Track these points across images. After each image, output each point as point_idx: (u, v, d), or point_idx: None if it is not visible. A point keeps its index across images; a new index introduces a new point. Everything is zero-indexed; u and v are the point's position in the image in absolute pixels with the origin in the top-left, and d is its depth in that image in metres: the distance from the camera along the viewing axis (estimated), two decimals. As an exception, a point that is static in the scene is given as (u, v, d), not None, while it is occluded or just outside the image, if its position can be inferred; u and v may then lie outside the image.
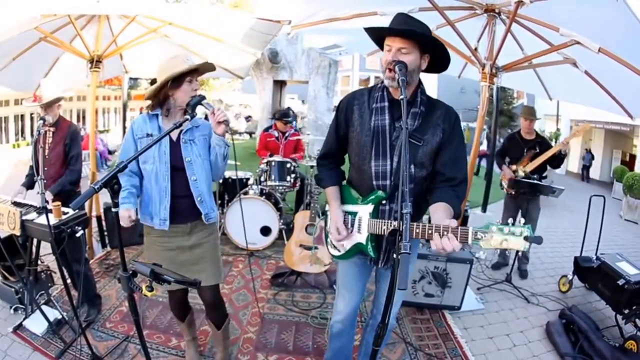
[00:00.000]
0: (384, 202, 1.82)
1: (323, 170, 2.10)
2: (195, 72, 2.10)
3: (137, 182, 2.17)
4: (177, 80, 2.04)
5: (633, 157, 14.39)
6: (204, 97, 2.08)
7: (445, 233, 1.42)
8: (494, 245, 1.37)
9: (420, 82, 1.81)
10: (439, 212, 1.61)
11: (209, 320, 2.48)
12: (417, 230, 1.50)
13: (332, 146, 2.04)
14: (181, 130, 2.16)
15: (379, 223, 1.78)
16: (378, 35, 1.76)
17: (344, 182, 2.09)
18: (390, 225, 1.70)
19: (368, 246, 1.87)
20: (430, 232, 1.47)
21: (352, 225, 1.93)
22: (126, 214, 2.04)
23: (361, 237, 1.90)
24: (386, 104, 1.80)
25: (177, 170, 2.13)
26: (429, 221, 1.59)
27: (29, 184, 3.10)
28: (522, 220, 1.36)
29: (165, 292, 3.43)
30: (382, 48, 1.79)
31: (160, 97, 2.10)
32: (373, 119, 1.82)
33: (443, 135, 1.77)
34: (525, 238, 1.33)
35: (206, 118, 2.53)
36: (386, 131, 1.79)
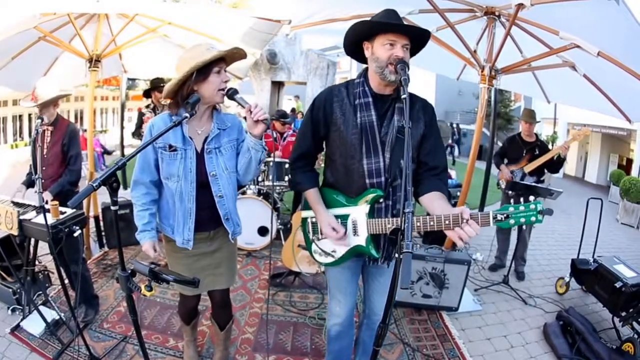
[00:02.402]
0: (380, 200, 1.80)
1: (298, 173, 1.98)
2: (222, 61, 1.85)
3: (157, 195, 2.01)
4: (202, 71, 1.78)
5: (630, 161, 14.40)
6: (236, 92, 1.85)
7: (464, 221, 1.46)
8: (513, 223, 1.47)
9: None
10: (440, 202, 1.65)
11: (214, 319, 2.44)
12: (432, 223, 1.51)
13: (308, 147, 1.94)
14: (206, 138, 1.93)
15: (379, 222, 1.76)
16: (380, 30, 1.71)
17: (323, 187, 2.01)
18: (392, 223, 1.70)
19: (369, 248, 1.83)
20: (447, 222, 1.48)
21: (346, 229, 1.86)
22: (151, 250, 1.91)
23: (360, 239, 1.84)
24: (370, 99, 1.78)
25: (203, 186, 1.95)
26: (427, 213, 1.62)
27: (29, 183, 3.08)
28: (532, 198, 1.48)
29: (163, 292, 3.45)
30: (359, 43, 1.80)
31: (184, 93, 1.81)
32: (359, 116, 1.77)
33: (425, 127, 1.81)
34: (540, 212, 1.44)
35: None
36: (374, 127, 1.76)
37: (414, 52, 1.80)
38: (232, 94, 1.86)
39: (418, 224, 1.55)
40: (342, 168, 1.86)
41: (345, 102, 1.80)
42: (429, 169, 1.80)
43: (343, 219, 1.87)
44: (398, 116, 1.76)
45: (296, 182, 1.99)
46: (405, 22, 1.79)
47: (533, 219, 1.45)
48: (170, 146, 1.87)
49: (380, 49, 1.69)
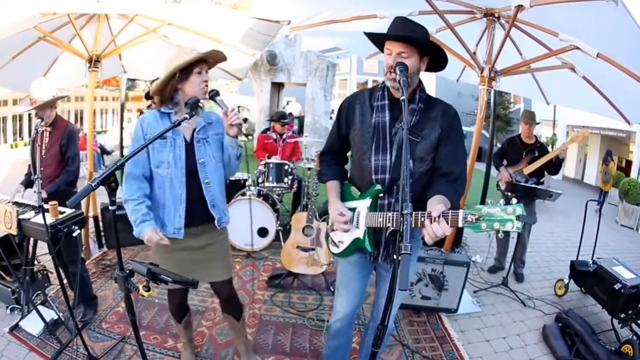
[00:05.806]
0: (381, 195, 1.84)
1: (324, 166, 2.14)
2: (203, 62, 2.02)
3: (148, 189, 2.06)
4: (185, 71, 1.96)
5: (629, 163, 14.42)
6: (217, 93, 2.00)
7: (436, 219, 1.43)
8: (485, 228, 1.31)
9: (420, 82, 1.86)
10: (432, 203, 1.62)
11: (226, 313, 2.45)
12: (410, 219, 1.51)
13: (333, 143, 2.09)
14: (194, 129, 2.07)
15: (376, 216, 1.81)
16: (379, 40, 1.81)
17: (346, 182, 2.10)
18: (388, 220, 1.72)
19: (365, 241, 1.88)
20: (422, 219, 1.49)
21: (352, 221, 1.94)
22: (154, 235, 1.90)
23: (359, 232, 1.91)
24: (386, 102, 1.85)
25: (192, 174, 2.05)
26: None
27: (28, 183, 3.08)
28: (515, 200, 1.32)
29: (162, 292, 3.43)
30: (382, 51, 1.83)
31: (168, 91, 1.99)
32: (374, 116, 1.86)
33: (441, 130, 1.80)
34: (517, 217, 1.27)
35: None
36: (386, 127, 1.83)
37: (437, 61, 1.81)
38: (213, 95, 2.02)
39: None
40: (357, 164, 1.96)
41: (366, 105, 1.91)
42: (443, 175, 1.78)
43: (352, 211, 1.96)
44: (410, 117, 1.79)
45: (320, 173, 2.17)
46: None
47: (510, 225, 1.26)
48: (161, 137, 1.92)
49: (385, 58, 1.77)
